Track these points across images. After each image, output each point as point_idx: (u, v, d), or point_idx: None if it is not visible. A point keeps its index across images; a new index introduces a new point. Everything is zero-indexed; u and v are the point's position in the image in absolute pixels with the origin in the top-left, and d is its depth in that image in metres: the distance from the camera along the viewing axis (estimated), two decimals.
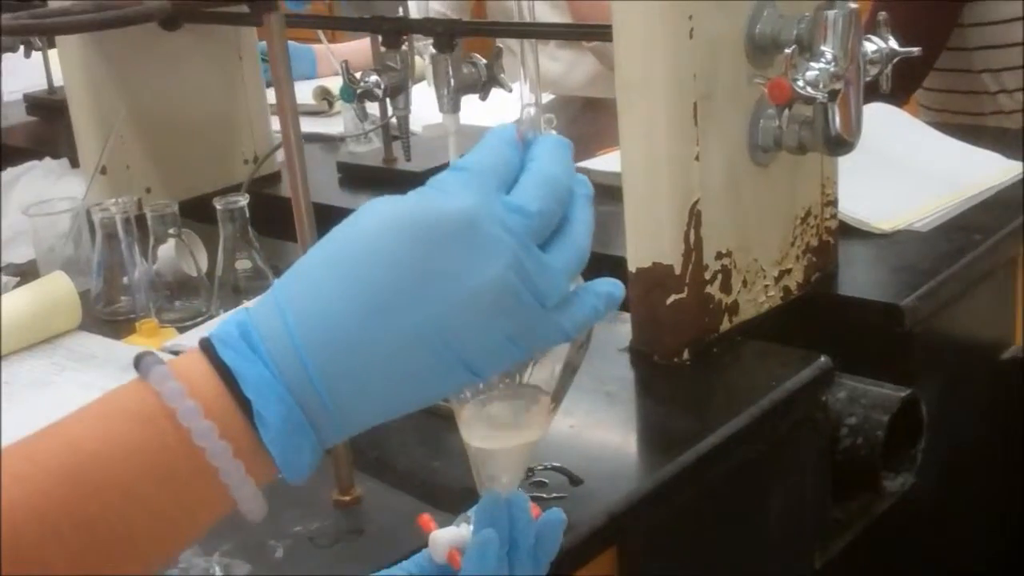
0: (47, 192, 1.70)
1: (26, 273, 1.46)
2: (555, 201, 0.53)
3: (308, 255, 0.53)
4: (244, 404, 0.51)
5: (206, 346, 0.53)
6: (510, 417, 0.60)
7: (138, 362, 0.52)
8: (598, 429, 1.02)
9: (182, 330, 1.30)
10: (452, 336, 0.51)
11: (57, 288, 1.31)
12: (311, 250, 0.54)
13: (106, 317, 1.34)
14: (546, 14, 2.25)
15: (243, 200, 1.28)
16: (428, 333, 0.51)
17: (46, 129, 2.33)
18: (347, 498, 0.91)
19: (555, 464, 0.93)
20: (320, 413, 0.52)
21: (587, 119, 2.10)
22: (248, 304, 0.55)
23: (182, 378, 0.51)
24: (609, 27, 1.07)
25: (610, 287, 0.56)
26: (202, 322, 1.31)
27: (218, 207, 1.27)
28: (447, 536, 0.62)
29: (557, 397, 0.60)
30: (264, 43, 1.96)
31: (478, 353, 0.52)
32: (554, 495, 0.90)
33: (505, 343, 0.52)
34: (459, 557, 0.61)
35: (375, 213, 0.52)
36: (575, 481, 0.92)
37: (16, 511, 0.48)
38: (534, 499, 0.66)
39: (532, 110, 0.58)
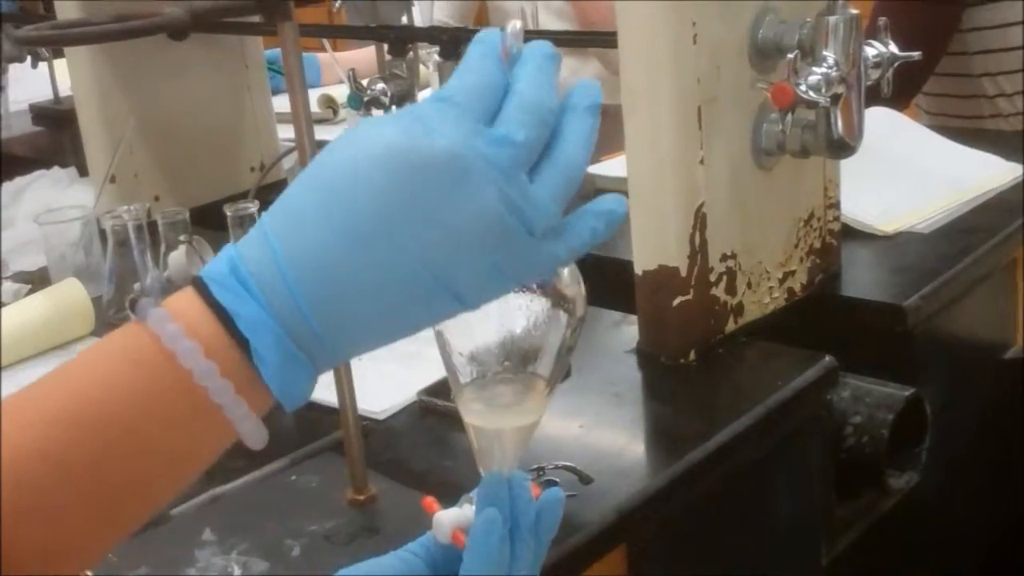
0: (55, 201, 1.71)
1: (36, 280, 1.48)
2: (540, 126, 0.52)
3: (294, 184, 0.53)
4: (240, 341, 0.51)
5: (199, 285, 0.53)
6: (509, 399, 0.61)
7: (133, 305, 0.53)
8: (607, 429, 1.03)
9: None
10: (438, 267, 0.51)
11: (71, 295, 1.32)
12: (297, 179, 0.53)
13: (118, 323, 1.35)
14: (548, 22, 2.26)
15: (253, 207, 1.29)
16: (414, 263, 0.51)
17: (52, 139, 2.34)
18: (362, 497, 0.93)
19: (565, 463, 0.94)
20: (312, 342, 0.52)
21: None
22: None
23: (179, 318, 0.52)
24: (612, 34, 1.09)
25: (611, 204, 0.53)
26: None
27: (229, 213, 1.29)
28: (450, 516, 0.62)
29: (554, 378, 0.61)
30: (270, 52, 1.97)
31: (465, 283, 0.52)
32: (565, 494, 0.91)
33: (493, 273, 0.52)
34: (463, 537, 0.61)
35: (360, 143, 0.52)
36: (585, 480, 0.93)
37: (25, 459, 0.49)
38: None
39: (518, 24, 0.57)
